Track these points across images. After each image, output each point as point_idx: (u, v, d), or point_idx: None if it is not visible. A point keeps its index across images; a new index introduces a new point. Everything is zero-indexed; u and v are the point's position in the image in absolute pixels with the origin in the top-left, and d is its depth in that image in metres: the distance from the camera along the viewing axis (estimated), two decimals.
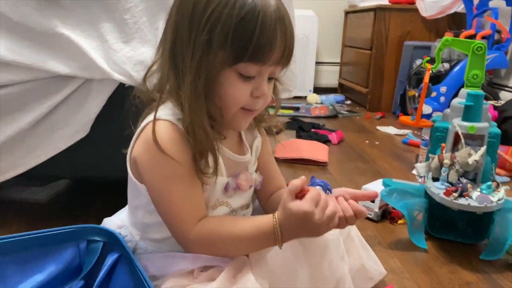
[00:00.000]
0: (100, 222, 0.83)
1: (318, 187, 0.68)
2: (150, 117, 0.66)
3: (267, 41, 0.61)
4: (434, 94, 2.48)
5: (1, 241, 0.70)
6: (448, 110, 1.24)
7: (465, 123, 1.09)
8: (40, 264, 0.73)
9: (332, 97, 3.21)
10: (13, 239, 0.71)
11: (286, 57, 0.65)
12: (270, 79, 0.67)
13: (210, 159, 0.66)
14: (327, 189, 0.70)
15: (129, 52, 0.99)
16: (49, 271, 0.74)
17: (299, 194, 0.62)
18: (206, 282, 0.64)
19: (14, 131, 1.00)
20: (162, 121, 0.64)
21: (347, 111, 2.97)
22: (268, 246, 0.66)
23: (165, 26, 0.68)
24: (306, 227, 0.61)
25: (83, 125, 1.04)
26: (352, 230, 0.82)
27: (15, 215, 1.20)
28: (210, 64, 0.61)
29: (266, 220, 0.64)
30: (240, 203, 0.76)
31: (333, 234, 0.72)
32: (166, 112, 0.66)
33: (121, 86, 1.02)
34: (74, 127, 1.03)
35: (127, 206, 0.79)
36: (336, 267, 0.73)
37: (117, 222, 0.80)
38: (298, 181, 0.61)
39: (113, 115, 1.06)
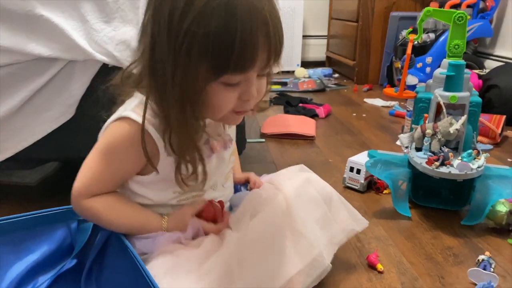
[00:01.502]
0: None
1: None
2: (121, 111, 0.67)
3: (249, 50, 0.58)
4: (420, 65, 2.49)
5: None
6: (430, 81, 1.25)
7: (446, 93, 1.11)
8: (32, 245, 0.75)
9: (319, 71, 3.21)
10: (5, 221, 0.72)
11: (274, 59, 0.63)
12: (261, 75, 0.66)
13: (200, 168, 0.69)
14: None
15: (110, 32, 0.98)
16: (42, 251, 0.75)
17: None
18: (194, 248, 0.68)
19: None
20: (132, 121, 0.65)
21: (334, 84, 2.97)
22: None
23: (145, 20, 0.63)
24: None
25: (68, 107, 1.04)
26: (333, 194, 0.86)
27: (5, 198, 1.21)
28: (193, 79, 0.60)
29: (155, 220, 0.72)
30: (218, 169, 0.76)
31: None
32: (137, 109, 0.66)
33: (104, 67, 1.02)
34: (59, 109, 1.03)
35: None
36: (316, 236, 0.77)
37: None
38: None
39: (97, 96, 1.06)
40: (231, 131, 0.81)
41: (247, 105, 0.66)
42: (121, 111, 0.68)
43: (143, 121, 0.64)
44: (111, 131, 0.68)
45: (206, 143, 0.72)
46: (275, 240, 0.71)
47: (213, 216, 0.74)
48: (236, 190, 0.88)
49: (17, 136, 1.04)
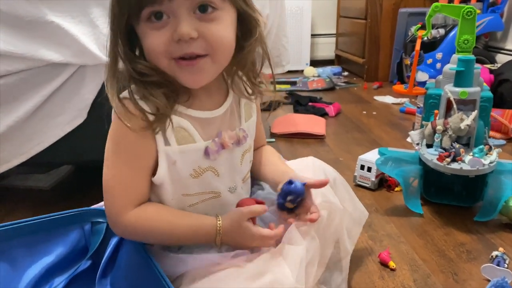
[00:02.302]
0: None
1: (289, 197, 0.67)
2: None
3: None
4: (430, 60, 2.47)
5: (9, 226, 0.72)
6: (440, 77, 1.25)
7: (457, 89, 1.10)
8: (47, 247, 0.76)
9: (329, 69, 3.20)
10: (21, 224, 0.74)
11: None
12: (205, 12, 0.58)
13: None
14: (297, 196, 0.68)
15: None
16: (57, 253, 0.77)
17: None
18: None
19: (13, 120, 1.02)
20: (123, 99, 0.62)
21: (344, 82, 2.96)
22: (200, 243, 0.66)
23: None
24: (245, 242, 0.64)
25: (80, 111, 1.06)
26: (337, 176, 0.84)
27: (20, 202, 1.24)
28: (122, 22, 0.59)
29: (209, 222, 0.64)
30: (229, 166, 0.70)
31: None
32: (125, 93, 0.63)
33: None
34: (71, 113, 1.05)
35: None
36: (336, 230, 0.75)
37: None
38: (260, 209, 0.65)
39: (108, 99, 1.07)
40: (250, 126, 0.74)
41: (183, 47, 0.58)
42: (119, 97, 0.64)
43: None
44: (110, 133, 0.65)
45: (217, 136, 0.66)
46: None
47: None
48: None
49: (31, 141, 1.06)
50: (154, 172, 0.65)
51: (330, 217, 0.73)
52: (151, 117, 0.61)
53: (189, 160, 0.65)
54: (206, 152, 0.65)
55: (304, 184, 0.67)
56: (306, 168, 0.80)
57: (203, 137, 0.65)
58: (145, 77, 0.61)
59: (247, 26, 0.65)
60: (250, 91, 0.71)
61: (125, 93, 0.63)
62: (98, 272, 0.75)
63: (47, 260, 0.76)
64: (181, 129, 0.64)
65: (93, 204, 0.82)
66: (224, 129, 0.68)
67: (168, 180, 0.65)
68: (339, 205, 0.75)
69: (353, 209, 0.85)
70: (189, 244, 0.67)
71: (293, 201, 0.67)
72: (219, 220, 0.64)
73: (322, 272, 0.72)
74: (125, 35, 0.61)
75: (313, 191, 0.70)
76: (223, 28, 0.60)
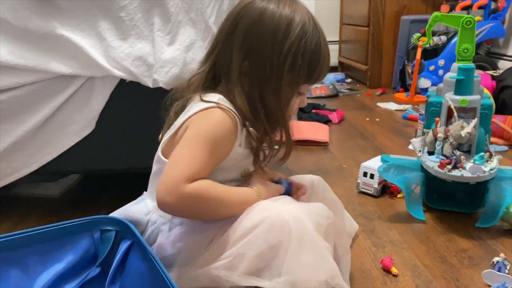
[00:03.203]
0: (109, 212, 0.87)
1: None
2: (201, 104, 0.73)
3: (327, 64, 0.76)
4: (432, 67, 2.49)
5: (21, 235, 0.75)
6: (441, 85, 1.27)
7: (457, 97, 1.12)
8: (58, 255, 0.78)
9: (332, 76, 3.23)
10: (33, 232, 0.76)
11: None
12: None
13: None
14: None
15: (127, 49, 1.03)
16: (67, 260, 0.79)
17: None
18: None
19: (24, 130, 1.05)
20: (224, 107, 0.73)
21: (347, 89, 2.98)
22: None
23: (223, 37, 0.77)
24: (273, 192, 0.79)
25: (88, 122, 1.09)
26: (333, 196, 0.93)
27: (30, 210, 1.26)
28: (284, 85, 0.73)
29: (250, 191, 0.76)
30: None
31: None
32: (221, 100, 0.74)
33: (122, 82, 1.06)
34: (80, 124, 1.08)
35: (141, 197, 0.84)
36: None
37: (143, 209, 0.82)
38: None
39: (116, 110, 1.10)
40: None
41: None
42: (211, 99, 0.73)
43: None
44: (209, 121, 0.72)
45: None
46: None
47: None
48: None
49: (42, 151, 1.09)
50: None
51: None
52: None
53: (247, 161, 0.79)
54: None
55: (290, 184, 0.84)
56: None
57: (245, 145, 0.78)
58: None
59: None
60: None
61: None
62: (107, 279, 0.77)
63: (58, 267, 0.78)
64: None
65: (101, 212, 0.84)
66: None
67: (226, 168, 0.77)
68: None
69: (347, 224, 0.97)
70: (236, 210, 0.72)
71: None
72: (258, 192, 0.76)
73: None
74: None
75: None
76: None
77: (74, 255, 0.79)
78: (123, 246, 0.76)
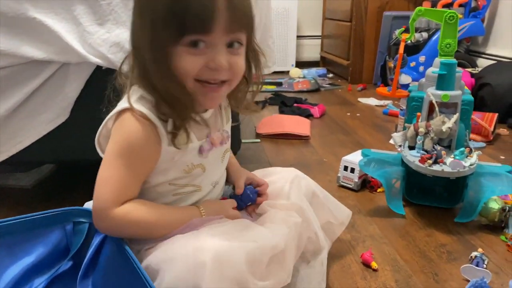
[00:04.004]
0: (83, 204, 0.84)
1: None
2: (123, 104, 0.67)
3: (206, 9, 0.60)
4: (413, 63, 2.51)
5: None
6: (423, 80, 1.27)
7: (439, 92, 1.12)
8: (28, 247, 0.75)
9: (314, 71, 3.22)
10: (1, 224, 0.72)
11: (238, 23, 0.64)
12: (232, 47, 0.65)
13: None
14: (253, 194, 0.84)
15: (104, 35, 0.98)
16: (38, 253, 0.76)
17: None
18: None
19: None
20: (135, 112, 0.65)
21: (329, 84, 2.98)
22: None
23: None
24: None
25: (63, 110, 1.04)
26: (316, 188, 0.89)
27: (1, 201, 1.21)
28: (160, 43, 0.63)
29: (192, 211, 0.72)
30: (214, 163, 0.77)
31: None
32: (139, 100, 0.67)
33: (99, 69, 1.02)
34: (54, 111, 1.04)
35: None
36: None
37: None
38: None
39: (92, 98, 1.06)
40: (229, 129, 0.82)
41: (215, 74, 0.65)
42: (121, 105, 0.67)
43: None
44: (121, 131, 0.67)
45: (208, 136, 0.73)
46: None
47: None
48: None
49: (12, 139, 1.04)
50: None
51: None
52: (169, 127, 0.67)
53: (186, 157, 0.71)
54: (200, 151, 0.72)
55: (256, 192, 0.83)
56: (283, 179, 0.86)
57: (197, 137, 0.72)
58: (169, 91, 0.65)
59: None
60: (233, 103, 0.80)
61: (140, 103, 0.67)
62: (80, 273, 0.74)
63: (27, 260, 0.74)
64: (182, 132, 0.69)
65: (75, 204, 0.81)
66: (212, 130, 0.75)
67: (162, 171, 0.71)
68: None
69: (335, 210, 0.92)
70: (173, 230, 0.69)
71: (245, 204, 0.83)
72: (203, 211, 0.72)
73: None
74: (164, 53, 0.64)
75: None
76: (242, 60, 0.70)
77: (45, 248, 0.76)
78: (97, 239, 0.73)
